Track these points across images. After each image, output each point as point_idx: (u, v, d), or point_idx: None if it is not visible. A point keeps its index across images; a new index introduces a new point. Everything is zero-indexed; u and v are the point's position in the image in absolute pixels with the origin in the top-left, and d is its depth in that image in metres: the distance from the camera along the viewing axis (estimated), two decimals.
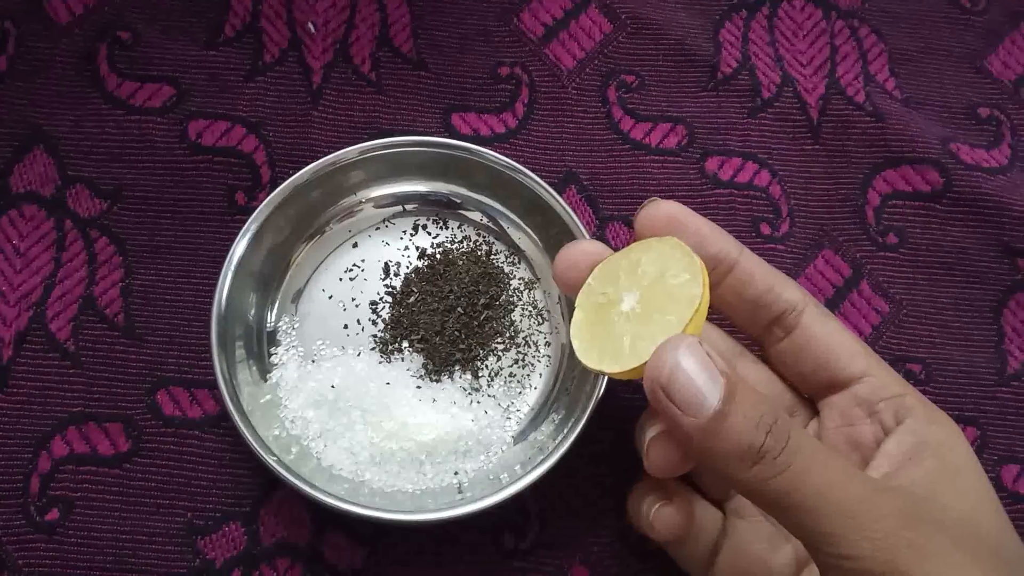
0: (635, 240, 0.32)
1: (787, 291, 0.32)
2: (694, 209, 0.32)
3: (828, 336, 0.32)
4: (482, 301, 0.38)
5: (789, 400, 0.34)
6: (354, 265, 0.39)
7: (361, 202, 0.39)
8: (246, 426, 0.33)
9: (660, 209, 0.31)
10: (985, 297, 0.41)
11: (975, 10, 0.46)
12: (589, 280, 0.32)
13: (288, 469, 0.33)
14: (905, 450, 0.30)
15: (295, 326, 0.37)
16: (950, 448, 0.30)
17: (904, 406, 0.31)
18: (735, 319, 0.33)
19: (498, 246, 0.39)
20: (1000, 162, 0.43)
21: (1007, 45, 0.45)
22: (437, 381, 0.37)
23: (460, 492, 0.34)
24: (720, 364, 0.26)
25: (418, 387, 0.36)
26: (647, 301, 0.29)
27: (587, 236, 0.36)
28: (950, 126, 0.43)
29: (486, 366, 0.37)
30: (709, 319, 0.30)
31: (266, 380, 0.36)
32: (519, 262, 0.39)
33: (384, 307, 0.38)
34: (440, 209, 0.40)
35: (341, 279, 0.38)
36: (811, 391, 0.33)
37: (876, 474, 0.30)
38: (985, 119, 0.44)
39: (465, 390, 0.36)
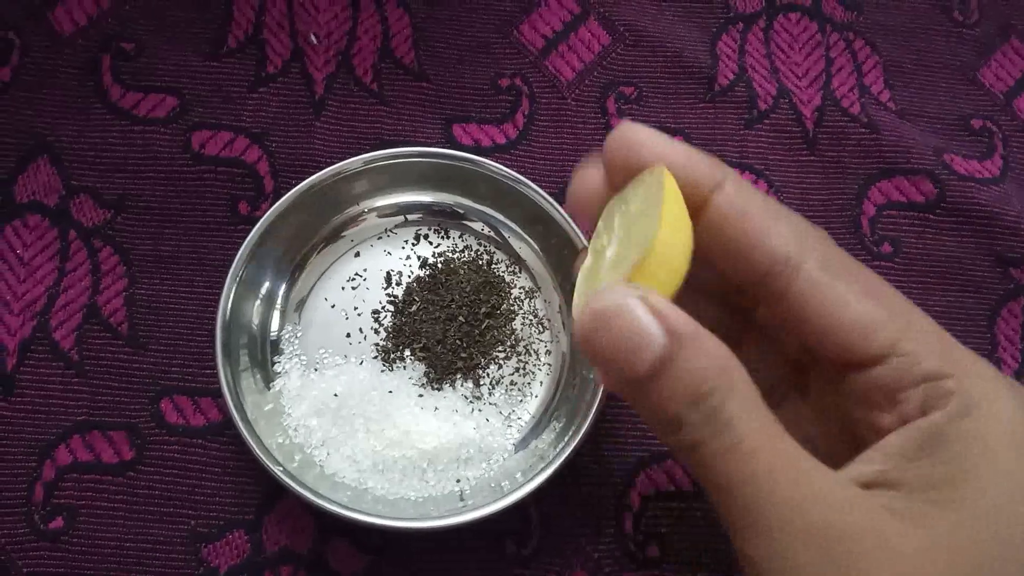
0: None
1: (777, 236, 0.24)
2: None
3: (835, 304, 0.23)
4: (483, 310, 0.38)
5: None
6: (356, 274, 0.39)
7: (363, 212, 0.40)
8: (250, 434, 0.33)
9: (623, 134, 0.25)
10: (979, 306, 0.41)
11: (967, 23, 0.47)
12: (599, 222, 0.27)
13: (292, 477, 0.33)
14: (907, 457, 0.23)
15: (298, 335, 0.38)
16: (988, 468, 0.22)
17: (938, 394, 0.22)
18: (723, 274, 0.25)
19: (499, 255, 0.40)
20: (993, 173, 0.43)
21: (999, 57, 0.46)
22: (439, 389, 0.37)
23: (462, 500, 0.34)
24: (658, 304, 0.21)
25: (420, 395, 0.37)
26: (623, 246, 0.24)
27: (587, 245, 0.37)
28: (944, 137, 0.44)
29: (487, 374, 0.37)
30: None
31: (269, 388, 0.36)
32: (520, 271, 0.39)
33: (386, 316, 0.38)
34: (442, 219, 0.40)
35: (344, 288, 0.39)
36: (819, 369, 0.26)
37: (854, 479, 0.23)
38: (978, 130, 0.44)
39: (467, 398, 0.37)
